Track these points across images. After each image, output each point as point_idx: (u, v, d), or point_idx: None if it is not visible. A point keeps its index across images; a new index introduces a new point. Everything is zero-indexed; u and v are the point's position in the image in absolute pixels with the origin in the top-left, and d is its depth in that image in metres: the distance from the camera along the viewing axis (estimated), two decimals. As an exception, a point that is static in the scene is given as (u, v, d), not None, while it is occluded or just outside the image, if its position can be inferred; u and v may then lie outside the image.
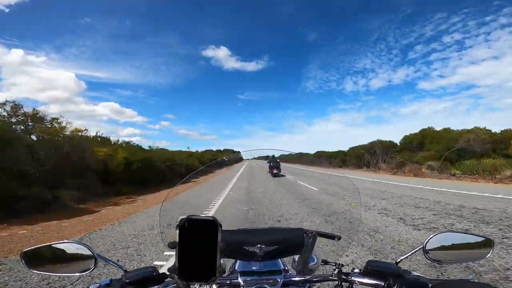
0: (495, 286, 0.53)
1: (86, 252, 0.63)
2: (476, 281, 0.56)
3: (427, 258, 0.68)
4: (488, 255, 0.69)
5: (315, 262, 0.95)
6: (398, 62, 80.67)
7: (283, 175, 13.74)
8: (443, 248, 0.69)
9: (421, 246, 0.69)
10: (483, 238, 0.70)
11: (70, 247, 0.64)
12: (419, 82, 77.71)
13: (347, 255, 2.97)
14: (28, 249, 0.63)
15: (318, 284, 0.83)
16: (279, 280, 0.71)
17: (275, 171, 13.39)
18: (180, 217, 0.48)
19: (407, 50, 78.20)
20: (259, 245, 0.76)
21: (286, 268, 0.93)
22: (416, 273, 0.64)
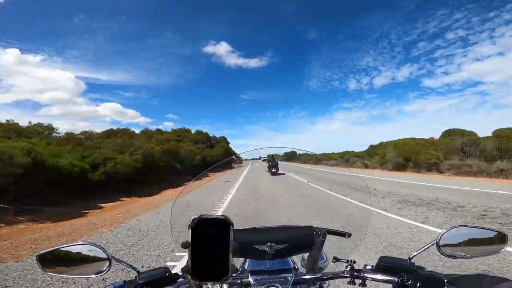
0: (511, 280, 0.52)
1: (100, 254, 0.64)
2: (492, 275, 0.56)
3: (440, 253, 0.67)
4: (502, 250, 0.68)
5: (324, 260, 0.95)
6: (402, 59, 79.59)
7: (282, 174, 15.03)
8: (456, 243, 0.68)
9: (435, 241, 0.68)
10: (497, 233, 0.69)
11: (85, 249, 0.64)
12: (423, 79, 76.62)
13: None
14: (43, 252, 0.64)
15: (328, 282, 0.82)
16: (289, 279, 0.71)
17: (273, 170, 15.18)
18: (192, 217, 0.49)
19: (410, 47, 77.15)
20: (269, 244, 0.76)
21: (296, 266, 0.93)
22: (430, 269, 0.64)
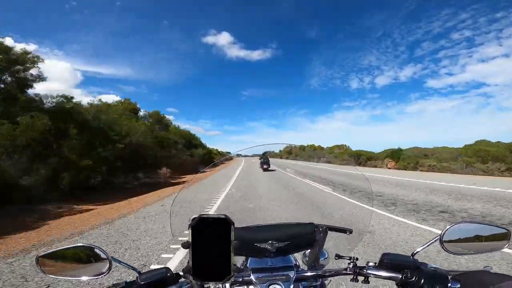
0: None
1: (100, 255, 0.63)
2: (494, 272, 0.55)
3: (444, 249, 0.67)
4: (506, 246, 0.68)
5: (326, 256, 0.95)
6: (405, 59, 78.43)
7: (273, 170, 16.61)
8: (459, 239, 0.67)
9: (438, 237, 0.67)
10: (500, 229, 0.69)
11: (85, 251, 0.64)
12: (426, 80, 75.56)
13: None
14: (43, 253, 0.64)
15: (330, 279, 0.82)
16: (291, 276, 0.71)
17: (265, 166, 16.47)
18: (192, 216, 0.48)
19: (413, 47, 76.05)
20: (270, 241, 0.76)
21: (298, 263, 0.93)
22: (433, 265, 0.63)
